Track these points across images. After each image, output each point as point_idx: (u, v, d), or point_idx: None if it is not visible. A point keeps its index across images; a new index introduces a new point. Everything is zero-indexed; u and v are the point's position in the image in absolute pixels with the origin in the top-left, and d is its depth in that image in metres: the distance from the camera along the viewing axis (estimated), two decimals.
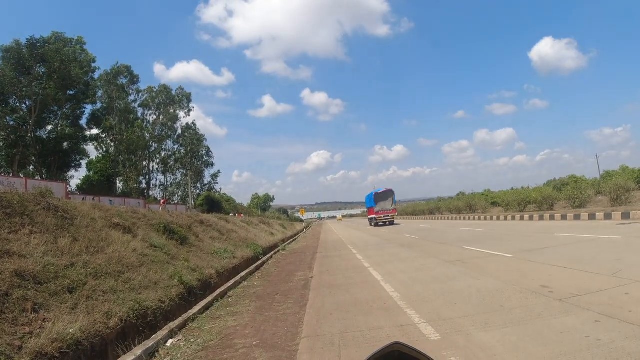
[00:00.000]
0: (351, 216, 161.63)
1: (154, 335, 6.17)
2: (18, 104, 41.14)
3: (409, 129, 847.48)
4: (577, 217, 23.04)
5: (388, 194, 44.75)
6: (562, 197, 31.96)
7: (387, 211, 43.80)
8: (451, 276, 9.26)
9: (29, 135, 41.46)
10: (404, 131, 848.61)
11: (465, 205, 50.89)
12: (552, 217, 25.36)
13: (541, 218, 26.44)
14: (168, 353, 5.59)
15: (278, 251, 22.32)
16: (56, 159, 44.18)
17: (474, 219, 38.89)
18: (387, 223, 43.82)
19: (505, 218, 32.04)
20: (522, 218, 29.22)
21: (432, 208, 68.78)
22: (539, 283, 7.41)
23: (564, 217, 24.27)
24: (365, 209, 63.77)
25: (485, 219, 35.96)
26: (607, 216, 20.79)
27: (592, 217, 21.84)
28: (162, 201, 36.08)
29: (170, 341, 6.13)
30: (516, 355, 4.23)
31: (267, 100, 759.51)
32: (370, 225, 47.76)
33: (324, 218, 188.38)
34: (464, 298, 7.03)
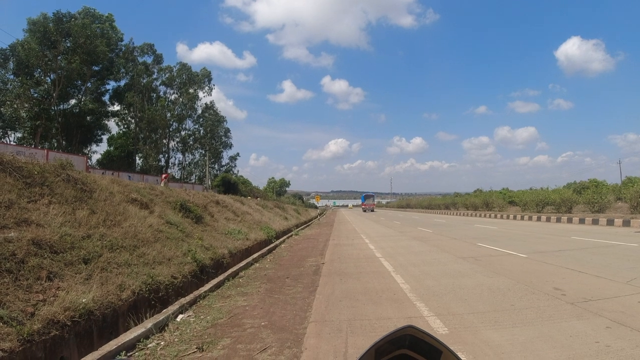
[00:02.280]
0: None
1: (164, 310, 6.26)
2: (42, 77, 41.77)
3: (428, 122, 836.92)
4: (595, 222, 22.69)
5: (370, 196, 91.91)
6: (582, 200, 31.54)
7: (370, 204, 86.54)
8: (463, 272, 9.19)
9: (53, 108, 42.14)
10: (424, 124, 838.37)
11: (482, 203, 50.35)
12: (569, 220, 25.06)
13: (558, 220, 26.14)
14: (178, 328, 5.67)
15: (291, 236, 22.43)
16: (78, 133, 44.88)
17: (490, 216, 38.52)
18: (369, 210, 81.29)
19: (522, 218, 31.66)
20: (539, 219, 28.85)
21: (448, 203, 68.55)
22: (552, 285, 7.33)
23: (581, 221, 23.95)
24: (361, 202, 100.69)
25: (502, 217, 35.58)
26: (626, 223, 20.45)
27: (610, 222, 21.50)
28: (163, 175, 33.89)
29: (180, 316, 6.22)
30: (524, 355, 4.18)
31: (288, 85, 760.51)
32: (364, 211, 79.80)
33: (338, 206, 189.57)
34: (475, 295, 6.98)
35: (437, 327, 5.24)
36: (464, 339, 4.74)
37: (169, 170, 61.32)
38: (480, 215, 41.47)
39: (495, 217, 37.04)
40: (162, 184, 22.52)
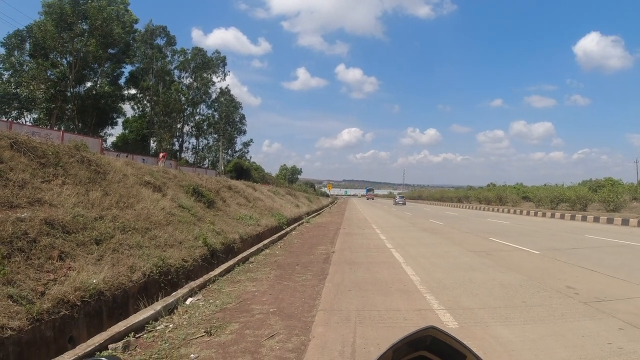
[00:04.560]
0: (376, 196, 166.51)
1: (174, 293, 6.29)
2: (59, 59, 41.97)
3: (443, 114, 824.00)
4: (609, 221, 22.37)
5: (371, 190, 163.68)
6: (597, 198, 31.09)
7: (371, 195, 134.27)
8: (474, 266, 9.10)
9: (69, 90, 42.45)
10: (438, 115, 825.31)
11: (495, 197, 49.82)
12: (584, 218, 24.76)
13: (572, 218, 25.83)
14: (187, 311, 5.69)
15: (302, 223, 22.45)
16: (94, 116, 45.09)
17: (502, 211, 38.15)
18: (371, 199, 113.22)
19: (536, 214, 31.28)
20: (552, 216, 28.49)
21: (461, 196, 68.09)
22: (565, 283, 7.21)
23: (596, 220, 23.64)
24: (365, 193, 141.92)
25: (515, 212, 35.19)
26: None
27: (625, 222, 21.19)
28: (161, 154, 31.43)
29: (189, 300, 6.24)
30: (535, 354, 4.10)
31: (302, 73, 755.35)
32: (367, 200, 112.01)
33: (350, 195, 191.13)
34: (486, 289, 6.89)
35: (447, 321, 5.18)
36: (473, 334, 4.68)
37: (182, 155, 61.74)
38: (492, 210, 41.09)
39: (508, 212, 36.65)
40: (160, 164, 22.20)
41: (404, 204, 62.29)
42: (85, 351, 3.83)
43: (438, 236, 15.62)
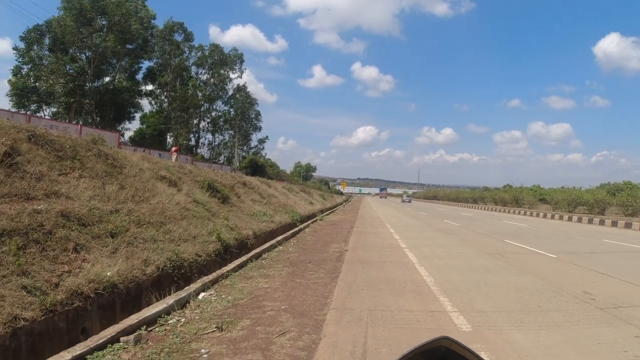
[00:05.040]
0: (390, 195, 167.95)
1: (187, 287, 6.31)
2: (78, 54, 42.61)
3: (459, 113, 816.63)
4: (628, 226, 21.94)
5: (384, 189, 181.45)
6: (615, 202, 30.55)
7: (384, 194, 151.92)
8: (489, 268, 8.96)
9: (87, 85, 43.06)
10: (454, 115, 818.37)
11: (512, 198, 49.15)
12: (601, 222, 24.36)
13: (590, 222, 25.41)
14: (199, 306, 5.70)
15: (315, 221, 22.42)
16: (112, 110, 45.70)
17: (519, 213, 37.64)
18: (384, 198, 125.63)
19: (553, 217, 30.81)
20: (570, 219, 28.05)
21: (477, 197, 67.40)
22: (582, 289, 7.05)
23: (614, 224, 23.20)
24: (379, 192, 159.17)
25: (531, 214, 34.67)
26: None
27: None
28: (173, 149, 31.11)
29: (202, 294, 6.26)
30: None
31: (318, 70, 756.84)
32: (380, 198, 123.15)
33: (364, 194, 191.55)
34: (501, 293, 6.77)
35: (460, 324, 5.09)
36: (487, 338, 4.59)
37: (198, 150, 62.27)
38: (509, 211, 40.56)
39: (525, 214, 36.13)
40: (172, 158, 22.32)
41: (409, 202, 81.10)
42: (97, 343, 3.86)
43: (453, 237, 15.44)
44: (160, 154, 29.32)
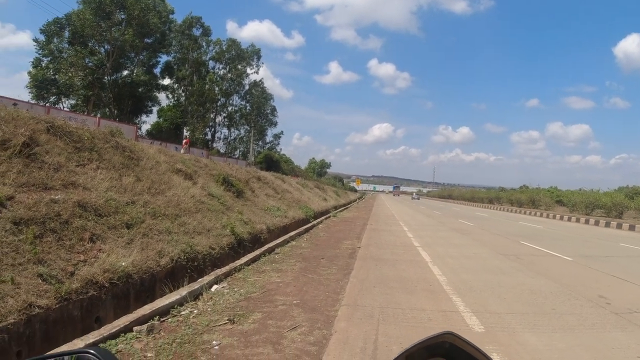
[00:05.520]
0: (403, 193, 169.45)
1: (200, 279, 6.37)
2: (97, 47, 43.15)
3: (476, 112, 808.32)
4: None
5: (397, 188, 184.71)
6: (633, 206, 30.01)
7: (397, 192, 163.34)
8: (503, 270, 8.84)
9: (106, 78, 43.61)
10: (471, 114, 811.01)
11: (528, 199, 48.47)
12: (619, 226, 23.97)
13: (607, 225, 24.99)
14: (211, 298, 5.74)
15: (329, 217, 22.43)
16: (129, 103, 46.25)
17: (535, 214, 37.12)
18: (397, 195, 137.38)
19: (569, 219, 30.36)
20: (587, 222, 27.58)
21: (492, 197, 66.68)
22: (597, 292, 6.94)
23: (631, 228, 22.81)
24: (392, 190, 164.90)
25: (548, 216, 34.17)
26: None
27: None
28: (184, 141, 32.00)
29: (215, 287, 6.30)
30: None
31: (334, 67, 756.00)
32: (393, 195, 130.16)
33: (378, 191, 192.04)
34: (515, 294, 6.69)
35: (472, 325, 5.04)
36: (499, 340, 4.54)
37: (214, 145, 62.67)
38: (524, 213, 40.02)
39: (541, 215, 35.60)
40: (182, 150, 22.42)
41: (418, 199, 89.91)
42: (110, 332, 3.91)
43: (467, 237, 15.30)
44: (176, 148, 29.67)
